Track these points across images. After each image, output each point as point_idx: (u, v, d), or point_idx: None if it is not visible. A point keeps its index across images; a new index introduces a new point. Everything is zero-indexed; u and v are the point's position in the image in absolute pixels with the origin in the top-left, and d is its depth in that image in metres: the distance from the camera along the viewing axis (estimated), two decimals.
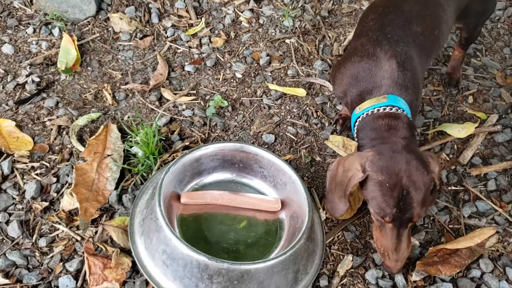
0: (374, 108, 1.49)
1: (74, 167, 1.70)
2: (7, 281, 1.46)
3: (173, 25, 2.39)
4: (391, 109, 1.47)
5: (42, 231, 1.60)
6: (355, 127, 1.56)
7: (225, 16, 2.45)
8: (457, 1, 1.79)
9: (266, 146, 1.93)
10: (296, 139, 1.96)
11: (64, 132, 1.88)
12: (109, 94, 2.05)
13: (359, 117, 1.53)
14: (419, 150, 1.41)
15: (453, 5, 1.76)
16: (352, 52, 1.63)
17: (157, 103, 2.04)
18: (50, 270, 1.51)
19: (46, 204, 1.65)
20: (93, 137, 1.83)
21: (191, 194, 1.65)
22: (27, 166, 1.77)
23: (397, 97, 1.49)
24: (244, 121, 2.01)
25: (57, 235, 1.60)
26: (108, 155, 1.77)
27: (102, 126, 1.87)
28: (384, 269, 1.54)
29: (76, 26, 2.32)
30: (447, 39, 2.40)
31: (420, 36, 1.61)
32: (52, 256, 1.54)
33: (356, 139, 1.57)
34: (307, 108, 2.07)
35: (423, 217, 1.40)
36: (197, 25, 2.39)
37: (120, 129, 1.89)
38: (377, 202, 1.34)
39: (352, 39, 1.81)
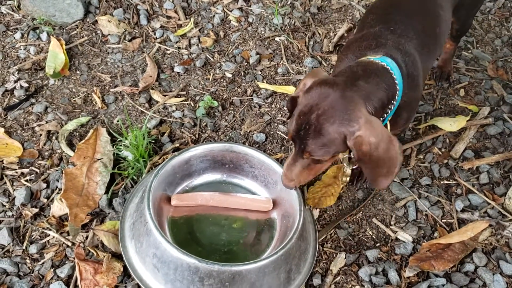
0: (363, 60, 1.43)
1: (63, 172, 1.69)
2: None
3: (162, 26, 2.37)
4: (380, 63, 1.39)
5: (32, 237, 1.60)
6: None
7: (214, 16, 2.44)
8: None
9: (257, 145, 1.92)
10: (287, 138, 1.95)
11: (54, 137, 1.87)
12: (98, 97, 2.03)
13: None
14: (360, 104, 1.27)
15: (450, 2, 1.75)
16: (352, 41, 1.60)
17: (146, 105, 2.03)
18: (41, 277, 1.51)
19: (36, 210, 1.64)
20: (83, 141, 1.82)
21: (182, 196, 1.64)
22: (16, 172, 1.76)
23: (392, 61, 1.41)
24: (234, 120, 2.00)
25: (48, 241, 1.59)
26: (98, 159, 1.76)
27: (91, 130, 1.86)
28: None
29: (64, 30, 2.30)
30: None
31: (422, 33, 1.57)
32: (43, 263, 1.53)
33: None
34: None
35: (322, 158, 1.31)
36: (186, 26, 2.38)
37: (110, 133, 1.88)
38: (290, 120, 1.33)
39: (355, 34, 1.78)
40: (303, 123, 1.27)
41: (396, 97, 1.39)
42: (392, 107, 1.41)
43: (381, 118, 1.38)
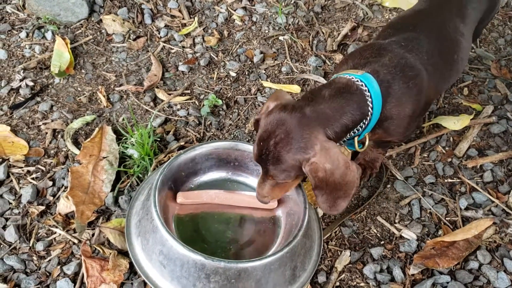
0: (344, 75, 1.42)
1: (69, 170, 1.70)
2: (5, 286, 1.46)
3: (166, 26, 2.38)
4: (357, 81, 1.38)
5: (39, 235, 1.61)
6: None
7: (218, 15, 2.45)
8: (473, 24, 1.78)
9: None
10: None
11: (59, 136, 1.88)
12: (104, 96, 2.04)
13: None
14: (316, 130, 1.28)
15: (470, 29, 1.75)
16: (358, 48, 1.60)
17: (151, 104, 2.04)
18: (48, 274, 1.52)
19: (42, 208, 1.65)
20: (88, 139, 1.83)
21: (187, 194, 1.65)
22: (22, 170, 1.77)
23: (374, 80, 1.38)
24: (239, 119, 2.01)
25: (54, 238, 1.60)
26: (104, 157, 1.77)
27: (97, 129, 1.87)
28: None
29: (69, 29, 2.31)
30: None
31: (437, 57, 1.55)
32: (49, 260, 1.54)
33: None
34: None
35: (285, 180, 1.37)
36: (190, 25, 2.39)
37: (115, 131, 1.89)
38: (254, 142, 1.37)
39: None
40: (263, 148, 1.31)
41: (368, 117, 1.39)
42: (365, 126, 1.40)
43: (348, 136, 1.39)
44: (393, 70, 1.43)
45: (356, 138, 1.45)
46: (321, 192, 1.32)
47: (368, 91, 1.37)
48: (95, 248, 1.56)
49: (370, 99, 1.37)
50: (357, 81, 1.38)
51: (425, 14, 1.70)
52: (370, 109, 1.37)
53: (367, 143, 1.50)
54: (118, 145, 1.84)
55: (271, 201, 1.58)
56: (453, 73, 1.67)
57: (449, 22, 1.66)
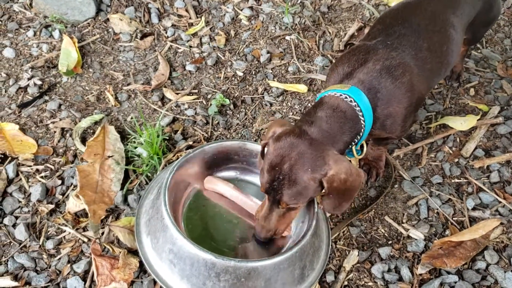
0: (333, 92, 1.45)
1: (77, 169, 1.71)
2: (16, 283, 1.47)
3: (173, 25, 2.39)
4: (346, 98, 1.42)
5: (48, 233, 1.61)
6: None
7: (224, 15, 2.45)
8: (466, 17, 1.77)
9: None
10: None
11: (68, 134, 1.89)
12: (111, 95, 2.05)
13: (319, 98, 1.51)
14: (327, 148, 1.34)
15: (462, 22, 1.74)
16: (346, 52, 1.62)
17: (159, 103, 2.05)
18: (58, 272, 1.52)
19: (52, 206, 1.66)
20: (91, 139, 1.83)
21: (214, 181, 1.64)
22: (31, 169, 1.78)
23: (361, 93, 1.43)
24: (246, 118, 2.02)
25: (64, 237, 1.61)
26: (109, 157, 1.78)
27: (99, 128, 1.87)
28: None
29: (76, 28, 2.32)
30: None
31: (425, 51, 1.57)
32: (59, 258, 1.55)
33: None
34: (309, 104, 2.08)
35: (299, 205, 1.38)
36: (197, 24, 2.40)
37: (123, 130, 1.90)
38: (261, 171, 1.37)
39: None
40: (276, 174, 1.32)
41: (362, 129, 1.44)
42: (360, 137, 1.46)
43: (350, 147, 1.45)
44: (378, 75, 1.46)
45: (353, 147, 1.51)
46: (329, 197, 1.37)
47: (358, 105, 1.42)
48: (105, 247, 1.56)
49: (361, 113, 1.42)
50: (346, 97, 1.42)
51: (414, 6, 1.69)
52: (362, 122, 1.43)
53: (364, 149, 1.57)
54: (127, 144, 1.84)
55: (283, 232, 1.55)
56: (443, 66, 1.67)
57: (439, 14, 1.66)
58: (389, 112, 1.48)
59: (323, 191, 1.35)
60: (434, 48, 1.60)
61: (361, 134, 1.45)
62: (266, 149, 1.39)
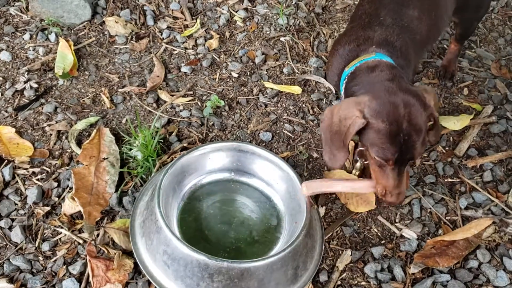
0: (363, 62, 1.49)
1: (72, 171, 1.72)
2: (12, 285, 1.49)
3: (168, 27, 2.40)
4: (380, 60, 1.47)
5: (44, 235, 1.63)
6: (343, 85, 1.55)
7: (219, 16, 2.47)
8: None
9: (264, 144, 1.95)
10: (293, 136, 1.98)
11: (64, 137, 1.91)
12: (107, 97, 2.07)
13: (348, 74, 1.53)
14: (412, 88, 1.38)
15: None
16: (342, 35, 1.66)
17: (154, 105, 2.06)
18: (54, 274, 1.54)
19: (48, 208, 1.68)
20: (87, 141, 1.84)
21: (314, 185, 1.57)
22: (28, 171, 1.79)
23: (385, 55, 1.50)
24: (241, 120, 2.03)
25: (60, 239, 1.62)
26: (105, 159, 1.79)
27: (94, 130, 1.89)
28: (384, 204, 1.53)
29: (72, 31, 2.33)
30: (445, 30, 2.41)
31: (415, 20, 1.61)
32: (55, 260, 1.57)
33: (343, 97, 1.56)
34: (303, 105, 2.09)
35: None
36: (192, 26, 2.41)
37: (118, 132, 1.92)
38: (379, 149, 1.34)
39: (347, 25, 1.82)
40: (402, 138, 1.31)
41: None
42: None
43: None
44: (388, 49, 1.54)
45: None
46: (435, 126, 1.42)
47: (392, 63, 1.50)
48: (100, 248, 1.58)
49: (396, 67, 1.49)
50: (383, 59, 1.49)
51: None
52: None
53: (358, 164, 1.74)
54: (122, 147, 1.86)
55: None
56: (432, 34, 1.72)
57: None
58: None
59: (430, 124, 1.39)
60: (425, 16, 1.65)
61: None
62: (368, 129, 1.34)
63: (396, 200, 1.42)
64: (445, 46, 2.40)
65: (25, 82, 2.09)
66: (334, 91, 2.10)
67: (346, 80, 1.54)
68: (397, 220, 1.74)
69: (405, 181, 1.41)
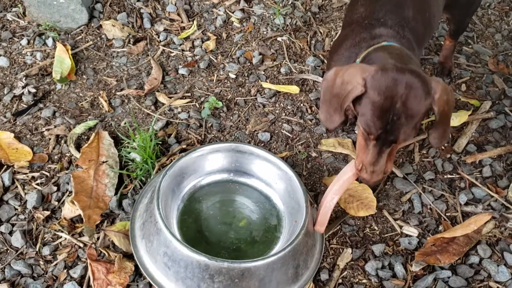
0: (376, 46, 1.49)
1: (71, 175, 1.73)
2: None
3: (165, 29, 2.40)
4: (393, 45, 1.49)
5: (45, 239, 1.63)
6: None
7: (216, 18, 2.47)
8: None
9: (262, 144, 1.95)
10: (291, 136, 1.98)
11: (62, 141, 1.91)
12: (105, 101, 2.07)
13: (359, 61, 1.52)
14: (423, 74, 1.33)
15: None
16: (343, 38, 1.64)
17: (152, 107, 2.06)
18: (54, 278, 1.54)
19: (47, 213, 1.68)
20: (86, 145, 1.85)
21: (319, 219, 1.55)
22: (27, 176, 1.79)
23: (395, 44, 1.51)
24: (239, 120, 2.03)
25: (60, 243, 1.62)
26: (104, 162, 1.79)
27: (93, 134, 1.89)
28: (360, 179, 1.49)
29: (69, 35, 2.34)
30: (438, 27, 2.41)
31: (412, 21, 1.61)
32: (56, 264, 1.57)
33: None
34: (301, 105, 2.09)
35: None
36: (189, 28, 2.41)
37: (116, 135, 1.92)
38: (366, 119, 1.32)
39: (341, 30, 1.82)
40: (390, 114, 1.28)
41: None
42: None
43: None
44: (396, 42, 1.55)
45: None
46: (436, 128, 1.38)
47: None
48: (101, 251, 1.58)
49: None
50: (394, 45, 1.50)
51: None
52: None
53: None
54: (120, 149, 1.86)
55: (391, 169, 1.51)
56: (427, 33, 1.72)
57: None
58: None
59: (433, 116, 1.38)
60: (419, 16, 1.64)
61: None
62: (364, 98, 1.32)
63: (369, 177, 1.40)
64: (441, 42, 2.40)
65: (23, 87, 2.09)
66: None
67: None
68: (397, 217, 1.74)
69: (383, 163, 1.38)
